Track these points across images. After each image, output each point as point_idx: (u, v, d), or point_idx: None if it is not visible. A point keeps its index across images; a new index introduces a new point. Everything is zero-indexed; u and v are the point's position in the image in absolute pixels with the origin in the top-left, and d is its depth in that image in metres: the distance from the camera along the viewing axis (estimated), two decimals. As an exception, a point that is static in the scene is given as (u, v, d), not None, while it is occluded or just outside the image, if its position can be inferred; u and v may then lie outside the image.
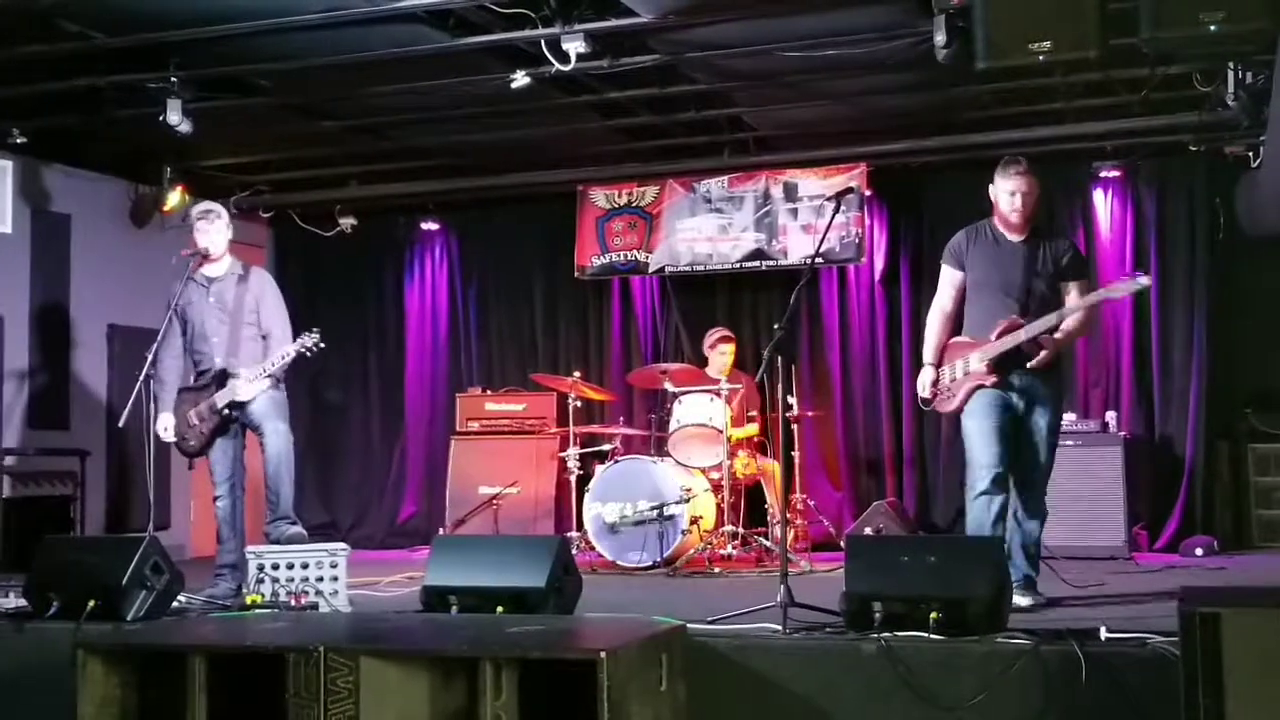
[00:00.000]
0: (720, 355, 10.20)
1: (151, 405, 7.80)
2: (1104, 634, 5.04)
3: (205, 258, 7.76)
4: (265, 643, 5.06)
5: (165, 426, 7.75)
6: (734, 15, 7.77)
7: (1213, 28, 6.79)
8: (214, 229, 7.76)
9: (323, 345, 7.50)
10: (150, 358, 7.71)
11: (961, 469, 10.52)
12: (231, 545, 7.69)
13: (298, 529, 7.60)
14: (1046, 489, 6.75)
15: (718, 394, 9.35)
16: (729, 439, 9.21)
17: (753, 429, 9.99)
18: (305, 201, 11.77)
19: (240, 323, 7.71)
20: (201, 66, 8.45)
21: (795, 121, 10.02)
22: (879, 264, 10.93)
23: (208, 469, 7.88)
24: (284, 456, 7.66)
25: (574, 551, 8.12)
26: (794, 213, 10.79)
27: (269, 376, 7.51)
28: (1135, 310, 10.25)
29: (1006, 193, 6.75)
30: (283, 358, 7.44)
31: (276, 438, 7.64)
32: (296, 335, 7.53)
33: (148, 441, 7.98)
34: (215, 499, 7.83)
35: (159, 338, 7.74)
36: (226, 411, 7.60)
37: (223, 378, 7.62)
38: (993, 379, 6.53)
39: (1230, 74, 8.11)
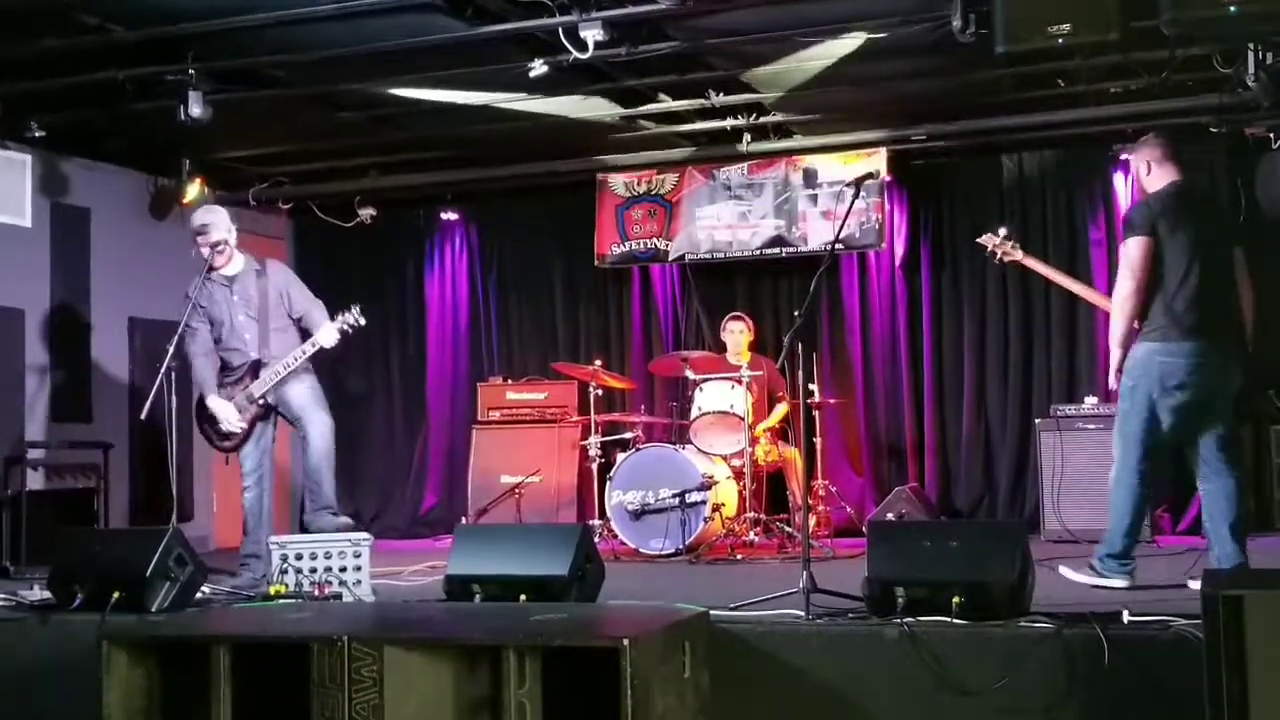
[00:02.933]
0: (731, 335, 10.21)
1: (172, 396, 7.88)
2: (1127, 617, 5.05)
3: (212, 267, 7.86)
4: (289, 633, 5.09)
5: (225, 412, 7.84)
6: (752, 1, 7.75)
7: (1233, 9, 6.76)
8: (210, 243, 7.81)
9: (363, 321, 7.87)
10: (171, 350, 7.80)
11: (983, 455, 10.63)
12: (257, 536, 7.76)
13: (343, 519, 7.75)
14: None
15: (739, 381, 9.34)
16: (751, 428, 9.21)
17: (782, 410, 9.96)
18: (324, 193, 11.78)
19: (267, 316, 7.86)
20: (219, 59, 8.45)
21: (814, 107, 9.98)
22: (899, 249, 10.90)
23: (236, 460, 7.94)
24: (327, 448, 7.83)
25: (596, 539, 8.13)
26: (814, 199, 10.76)
27: (339, 330, 7.77)
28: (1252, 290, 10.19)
29: None
30: (343, 321, 7.78)
31: (320, 428, 7.82)
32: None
33: (170, 434, 8.02)
34: (244, 489, 7.94)
35: (181, 337, 7.84)
36: (264, 400, 7.79)
37: (256, 368, 7.81)
38: None
39: (1251, 55, 8.05)
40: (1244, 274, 6.74)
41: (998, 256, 7.83)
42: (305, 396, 7.83)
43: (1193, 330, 6.40)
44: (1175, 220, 6.47)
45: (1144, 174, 6.72)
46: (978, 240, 7.98)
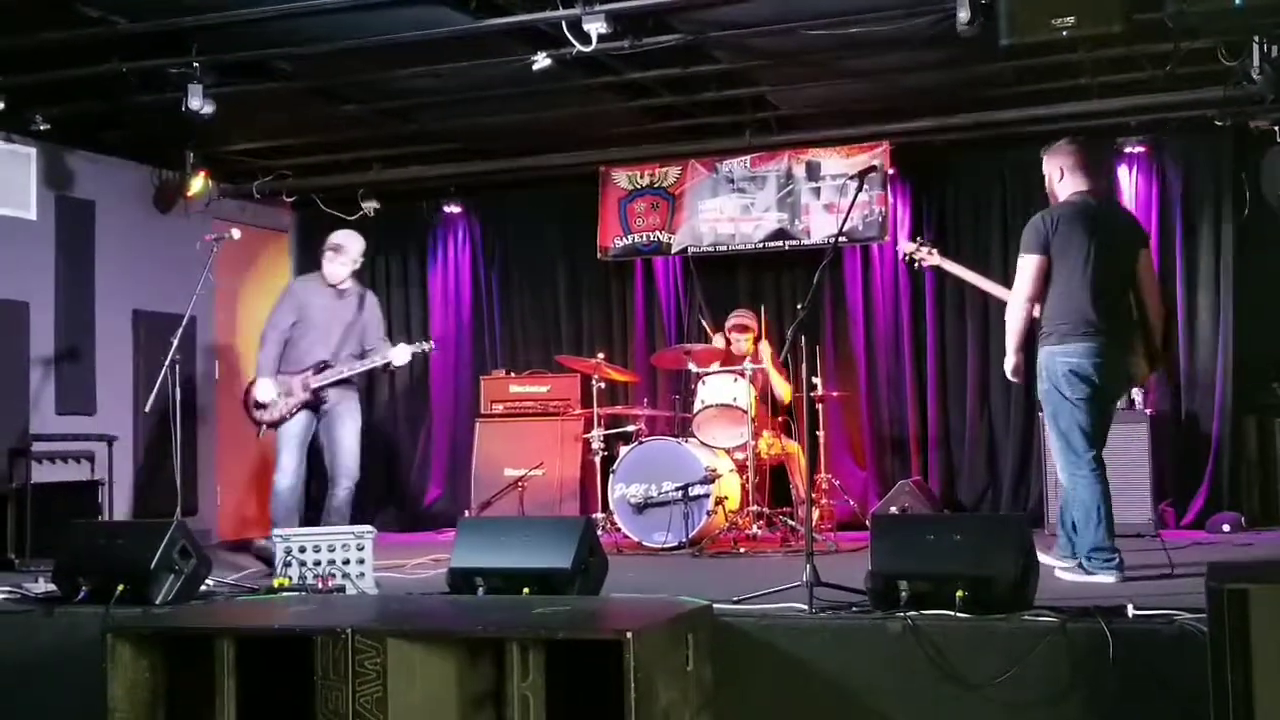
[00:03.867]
0: (738, 343, 10.18)
1: (176, 389, 8.09)
2: (1131, 611, 5.04)
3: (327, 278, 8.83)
4: (293, 625, 5.09)
5: (266, 390, 8.58)
6: (754, -7, 7.76)
7: (1237, 2, 6.76)
8: (339, 262, 8.79)
9: (428, 348, 9.26)
10: (175, 342, 8.00)
11: (986, 448, 10.63)
12: (291, 522, 8.28)
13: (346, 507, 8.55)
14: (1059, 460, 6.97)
15: (741, 374, 9.34)
16: (754, 420, 9.21)
17: (786, 388, 9.92)
18: (328, 186, 11.77)
19: (347, 337, 8.77)
20: (223, 51, 8.45)
21: (818, 100, 9.98)
22: (903, 242, 10.88)
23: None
24: (345, 504, 8.55)
25: (599, 532, 8.13)
26: (817, 192, 10.75)
27: (413, 352, 8.88)
28: (1160, 286, 10.19)
29: None
30: (417, 346, 8.96)
31: (345, 488, 8.57)
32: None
33: (174, 426, 8.05)
34: (278, 476, 8.58)
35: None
36: (318, 393, 8.57)
37: (322, 367, 8.61)
38: None
39: (1255, 48, 8.05)
40: (1150, 276, 7.07)
41: (916, 263, 8.21)
42: (349, 405, 8.72)
43: (1089, 332, 6.73)
44: (1070, 235, 6.79)
45: (1055, 179, 7.03)
46: (898, 248, 8.49)
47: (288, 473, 8.55)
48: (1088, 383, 6.72)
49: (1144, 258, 7.06)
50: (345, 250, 8.83)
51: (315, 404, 8.61)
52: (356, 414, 8.76)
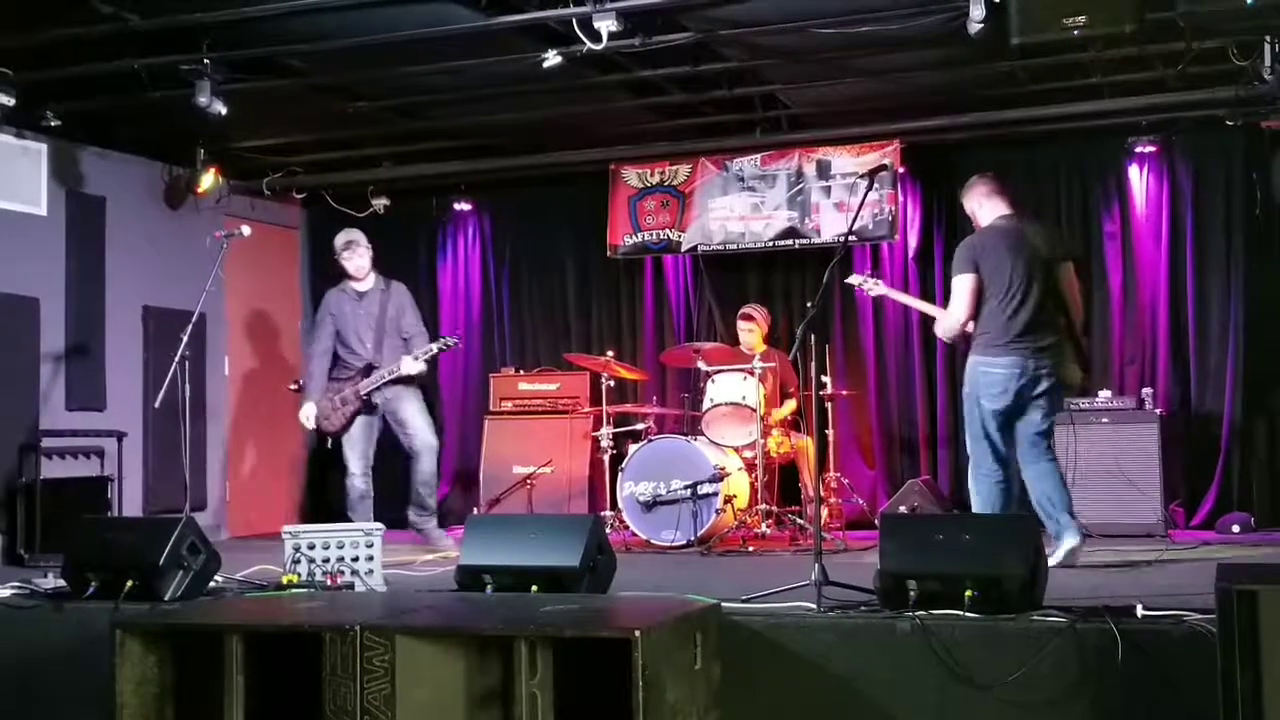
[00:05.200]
0: (745, 333, 10.20)
1: (186, 385, 8.14)
2: (1140, 612, 5.02)
3: (350, 277, 9.43)
4: (301, 622, 5.09)
5: (307, 415, 9.36)
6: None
7: (1249, 1, 6.74)
8: (356, 256, 9.36)
9: (460, 344, 9.72)
10: (185, 339, 8.08)
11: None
12: (360, 519, 8.84)
13: (440, 534, 9.39)
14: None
15: (751, 373, 9.34)
16: (762, 419, 9.20)
17: (790, 405, 9.98)
18: (338, 183, 11.78)
19: (384, 331, 9.31)
20: (234, 48, 8.47)
21: (828, 99, 9.97)
22: (912, 241, 10.89)
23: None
24: (432, 468, 9.35)
25: (608, 531, 8.14)
26: (827, 190, 10.74)
27: (424, 361, 9.23)
28: (1171, 287, 10.20)
29: None
30: (426, 351, 9.20)
31: (428, 452, 9.34)
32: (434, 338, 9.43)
33: (183, 422, 8.08)
34: (348, 478, 9.29)
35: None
36: (368, 398, 9.18)
37: (368, 370, 9.20)
38: None
39: (1267, 47, 8.03)
40: (1072, 282, 7.54)
41: (866, 289, 8.73)
42: (418, 418, 9.30)
43: (1010, 345, 7.25)
44: (998, 253, 7.32)
45: (977, 210, 7.61)
46: (846, 281, 8.90)
47: (355, 474, 9.27)
48: (1002, 395, 7.26)
49: (1066, 270, 7.52)
50: (355, 243, 9.35)
51: (370, 406, 9.24)
52: (416, 393, 9.35)
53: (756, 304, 10.56)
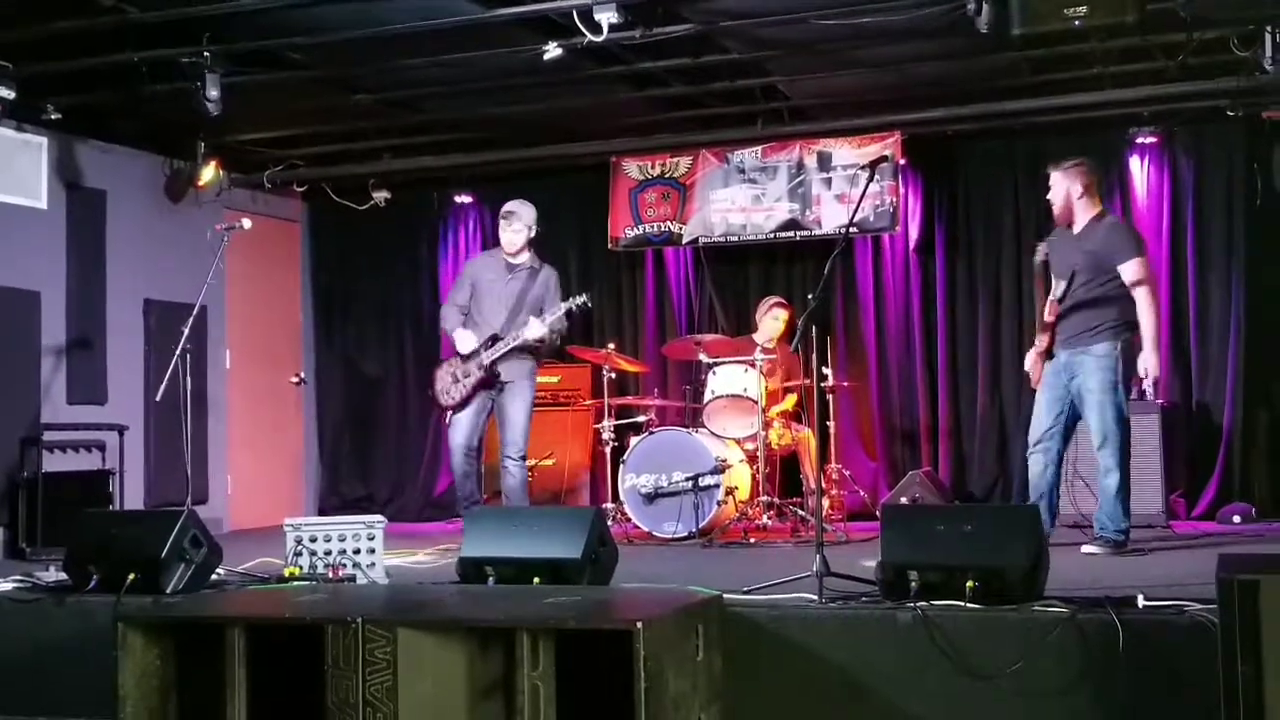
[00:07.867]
0: (774, 320, 10.12)
1: (187, 379, 8.13)
2: (1142, 602, 5.03)
3: (503, 247, 8.98)
4: (303, 614, 5.10)
5: (465, 342, 8.87)
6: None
7: (1250, -8, 6.74)
8: (509, 229, 8.89)
9: (589, 305, 9.13)
10: (186, 332, 8.02)
11: (997, 439, 10.62)
12: (472, 494, 8.86)
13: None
14: (1112, 449, 7.54)
15: (752, 364, 9.33)
16: (765, 412, 9.20)
17: (791, 400, 9.97)
18: (339, 175, 11.77)
19: (521, 308, 8.81)
20: (234, 41, 8.46)
21: (829, 90, 9.96)
22: (913, 233, 10.88)
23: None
24: (523, 428, 8.82)
25: (609, 523, 8.14)
26: (828, 182, 10.74)
27: (550, 324, 8.74)
28: (1172, 278, 10.19)
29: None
30: (554, 312, 8.76)
31: (523, 413, 8.82)
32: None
33: (185, 416, 8.07)
34: (455, 460, 8.93)
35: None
36: (491, 366, 8.72)
37: (493, 340, 8.75)
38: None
39: (1268, 38, 8.02)
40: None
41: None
42: (518, 421, 8.80)
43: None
44: None
45: (1075, 196, 7.70)
46: None
47: (458, 451, 8.87)
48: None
49: None
50: (518, 215, 8.90)
51: (491, 381, 8.78)
52: (527, 390, 8.86)
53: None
